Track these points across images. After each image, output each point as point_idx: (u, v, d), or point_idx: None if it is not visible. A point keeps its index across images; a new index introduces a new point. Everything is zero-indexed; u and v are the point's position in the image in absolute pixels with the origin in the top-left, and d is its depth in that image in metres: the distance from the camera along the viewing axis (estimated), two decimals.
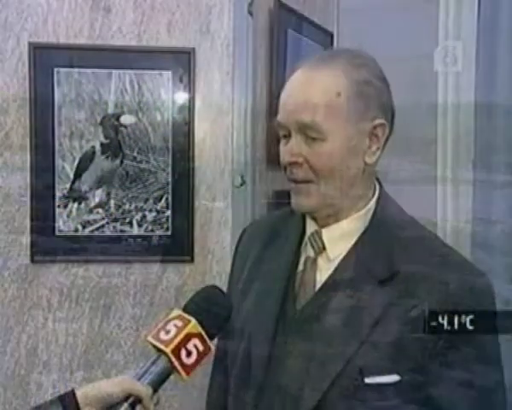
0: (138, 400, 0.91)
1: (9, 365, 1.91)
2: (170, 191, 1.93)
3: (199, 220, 1.94)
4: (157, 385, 0.94)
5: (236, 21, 1.91)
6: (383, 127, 1.09)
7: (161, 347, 0.94)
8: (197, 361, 0.95)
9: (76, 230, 1.91)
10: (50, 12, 1.87)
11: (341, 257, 1.10)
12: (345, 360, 1.01)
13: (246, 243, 1.29)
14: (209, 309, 1.00)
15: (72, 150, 1.89)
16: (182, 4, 1.91)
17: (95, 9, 1.88)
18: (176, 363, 0.93)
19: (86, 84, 1.88)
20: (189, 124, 1.92)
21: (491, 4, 1.80)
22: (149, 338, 0.96)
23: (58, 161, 1.89)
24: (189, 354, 0.94)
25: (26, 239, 1.89)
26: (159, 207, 1.93)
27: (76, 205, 1.91)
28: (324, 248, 1.12)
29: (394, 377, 1.01)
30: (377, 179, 1.16)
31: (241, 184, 1.93)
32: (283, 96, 1.10)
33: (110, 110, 1.89)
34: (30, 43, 1.85)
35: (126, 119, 1.90)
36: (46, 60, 1.86)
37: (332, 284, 1.09)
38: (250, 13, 1.93)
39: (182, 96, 1.92)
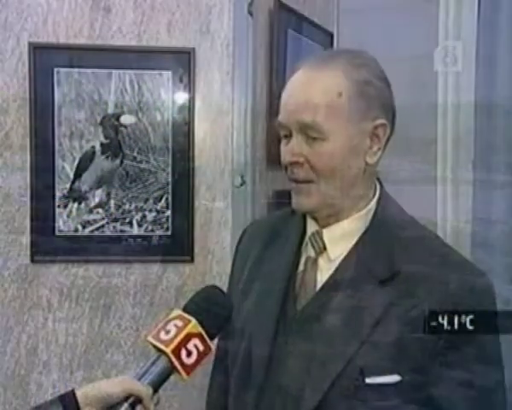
0: (138, 400, 0.91)
1: (9, 365, 1.91)
2: (170, 191, 1.93)
3: (199, 220, 1.94)
4: (157, 385, 0.94)
5: (236, 21, 1.91)
6: (384, 127, 1.09)
7: (161, 347, 0.94)
8: (197, 361, 0.95)
9: (76, 230, 1.91)
10: (50, 12, 1.87)
11: (342, 257, 1.10)
12: (345, 360, 1.01)
13: (246, 244, 1.29)
14: (209, 309, 1.00)
15: (72, 150, 1.89)
16: (182, 4, 1.91)
17: (95, 9, 1.88)
18: (176, 363, 0.93)
19: (86, 84, 1.88)
20: (189, 124, 1.92)
21: (491, 4, 1.80)
22: (149, 338, 0.96)
23: (58, 161, 1.89)
24: (189, 354, 0.94)
25: (26, 239, 1.89)
26: (159, 207, 1.93)
27: (76, 205, 1.91)
28: (325, 248, 1.12)
29: (395, 378, 1.01)
30: (378, 179, 1.16)
31: (241, 184, 1.93)
32: (284, 96, 1.10)
33: (110, 110, 1.89)
34: (30, 43, 1.85)
35: (126, 119, 1.90)
36: (46, 60, 1.86)
37: (333, 284, 1.09)
38: (250, 13, 1.93)
39: (182, 96, 1.92)
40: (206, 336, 0.96)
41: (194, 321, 0.96)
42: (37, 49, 1.85)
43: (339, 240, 1.11)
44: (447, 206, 1.84)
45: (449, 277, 1.03)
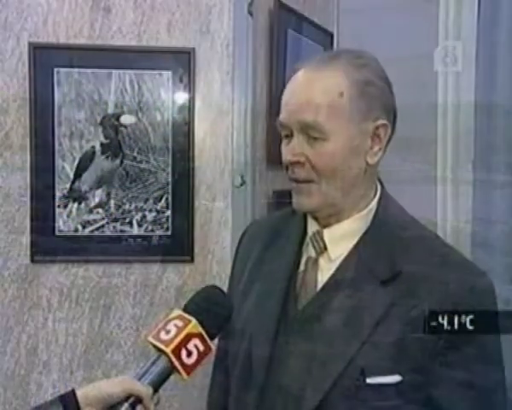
0: (139, 400, 0.91)
1: (9, 365, 1.91)
2: (170, 191, 1.93)
3: (199, 220, 1.94)
4: (157, 385, 0.94)
5: (236, 21, 1.91)
6: (385, 128, 1.09)
7: (162, 347, 0.94)
8: (198, 361, 0.95)
9: (76, 230, 1.91)
10: (50, 12, 1.87)
11: (343, 257, 1.10)
12: (346, 360, 1.01)
13: (246, 244, 1.29)
14: (209, 309, 1.00)
15: (72, 150, 1.89)
16: (182, 4, 1.91)
17: (95, 9, 1.88)
18: (176, 363, 0.93)
19: (86, 84, 1.88)
20: (189, 124, 1.92)
21: (491, 4, 1.80)
22: (150, 338, 0.96)
23: (58, 161, 1.89)
24: (189, 354, 0.94)
25: (26, 239, 1.89)
26: (159, 207, 1.93)
27: (76, 205, 1.91)
28: (326, 248, 1.11)
29: (396, 378, 1.01)
30: (379, 180, 1.16)
31: (241, 184, 1.93)
32: (285, 96, 1.10)
33: (110, 110, 1.89)
34: (30, 43, 1.85)
35: (126, 119, 1.90)
36: (46, 60, 1.86)
37: (333, 284, 1.09)
38: (250, 13, 1.93)
39: (182, 96, 1.92)
40: (206, 336, 0.96)
41: (194, 321, 0.96)
42: (37, 49, 1.85)
43: (339, 240, 1.11)
44: (447, 206, 1.84)
45: (450, 277, 1.03)
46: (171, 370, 0.94)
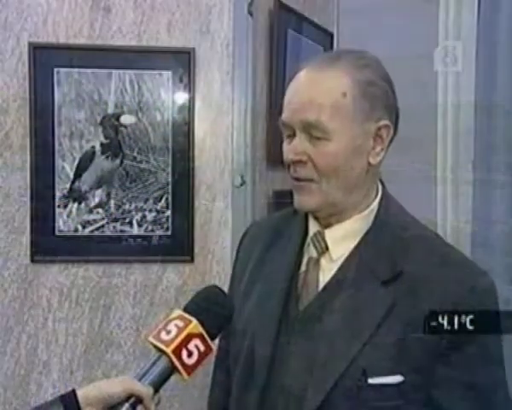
0: (139, 400, 0.91)
1: (9, 365, 1.91)
2: (170, 191, 1.93)
3: (199, 220, 1.94)
4: (158, 385, 0.94)
5: (236, 21, 1.91)
6: (388, 128, 1.08)
7: (162, 347, 0.93)
8: (198, 362, 0.95)
9: (76, 230, 1.91)
10: (50, 12, 1.87)
11: (344, 258, 1.10)
12: (348, 361, 1.01)
13: (247, 245, 1.29)
14: (210, 309, 0.99)
15: (72, 150, 1.89)
16: (182, 4, 1.91)
17: (95, 9, 1.88)
18: (177, 363, 0.93)
19: (86, 84, 1.88)
20: (189, 124, 1.92)
21: (491, 4, 1.80)
22: (150, 338, 0.96)
23: (58, 161, 1.89)
24: (190, 354, 0.94)
25: (26, 239, 1.90)
26: (159, 207, 1.93)
27: (76, 205, 1.91)
28: (327, 248, 1.11)
29: (398, 378, 1.01)
30: (380, 180, 1.16)
31: (241, 184, 1.93)
32: (288, 95, 1.10)
33: (110, 110, 1.89)
34: (30, 43, 1.85)
35: (126, 119, 1.90)
36: (46, 60, 1.86)
37: (335, 284, 1.09)
38: (250, 13, 1.93)
39: (182, 96, 1.92)
40: (206, 336, 0.96)
41: (194, 321, 0.95)
42: (37, 49, 1.85)
43: (341, 240, 1.11)
44: (447, 206, 1.84)
45: (451, 277, 1.03)
46: (171, 370, 0.94)
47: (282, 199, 2.01)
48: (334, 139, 1.04)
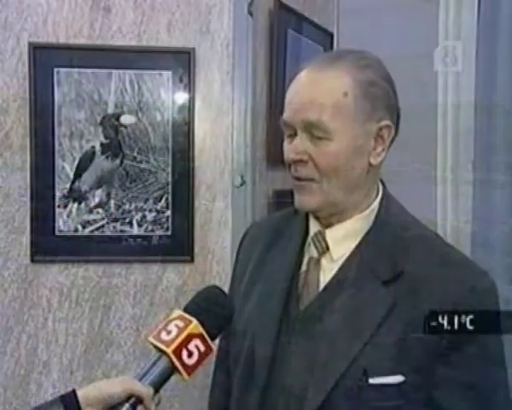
0: (139, 400, 0.91)
1: (9, 365, 1.91)
2: (170, 191, 1.93)
3: (199, 220, 1.94)
4: (158, 386, 0.94)
5: (236, 21, 1.91)
6: (389, 129, 1.08)
7: (162, 347, 0.93)
8: (198, 362, 0.95)
9: (76, 230, 1.91)
10: (50, 12, 1.87)
11: (345, 257, 1.10)
12: (349, 361, 1.01)
13: (248, 245, 1.29)
14: (210, 310, 0.99)
15: (72, 150, 1.89)
16: (182, 4, 1.91)
17: (95, 9, 1.88)
18: (177, 363, 0.93)
19: (86, 84, 1.88)
20: (189, 124, 1.92)
21: (491, 4, 1.80)
22: (150, 339, 0.96)
23: (58, 161, 1.89)
24: (190, 354, 0.94)
25: (26, 239, 1.90)
26: (159, 207, 1.93)
27: (76, 205, 1.91)
28: (328, 248, 1.11)
29: (398, 378, 1.00)
30: (380, 180, 1.16)
31: (241, 184, 1.94)
32: (289, 95, 1.10)
33: (110, 110, 1.89)
34: (30, 43, 1.85)
35: (126, 119, 1.90)
36: (46, 60, 1.86)
37: (335, 284, 1.09)
38: (250, 13, 1.93)
39: (182, 96, 1.92)
40: (207, 336, 0.96)
41: (195, 322, 0.95)
42: (37, 49, 1.85)
43: (342, 240, 1.11)
44: (447, 206, 1.84)
45: (452, 277, 1.03)
46: (171, 370, 0.94)
47: (282, 199, 2.01)
48: (335, 139, 1.04)
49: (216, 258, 1.95)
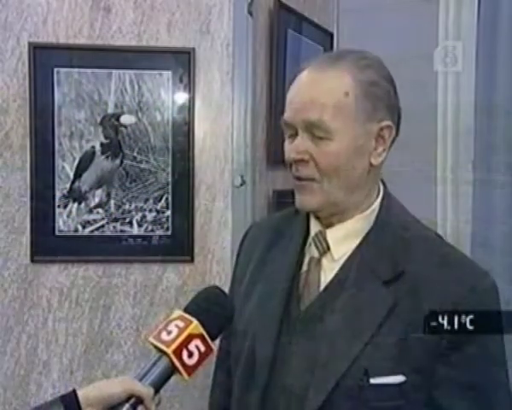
0: (140, 400, 0.91)
1: (9, 365, 1.91)
2: (170, 191, 1.93)
3: (199, 220, 1.94)
4: (158, 386, 0.94)
5: (236, 21, 1.91)
6: (390, 129, 1.08)
7: (163, 347, 0.93)
8: (199, 362, 0.95)
9: (76, 230, 1.91)
10: (50, 12, 1.87)
11: (346, 257, 1.10)
12: (349, 361, 1.01)
13: (248, 246, 1.28)
14: (210, 310, 0.99)
15: (72, 150, 1.89)
16: (182, 4, 1.91)
17: (95, 9, 1.88)
18: (177, 364, 0.93)
19: (86, 84, 1.88)
20: (189, 124, 1.92)
21: (491, 4, 1.81)
22: (151, 339, 0.96)
23: (58, 161, 1.89)
24: (190, 354, 0.94)
25: (26, 239, 1.89)
26: (159, 207, 1.93)
27: (76, 205, 1.91)
28: (328, 248, 1.11)
29: (399, 378, 1.00)
30: (381, 180, 1.16)
31: (241, 184, 1.93)
32: (290, 95, 1.10)
33: (110, 110, 1.89)
34: (30, 43, 1.85)
35: (126, 119, 1.90)
36: (46, 60, 1.86)
37: (336, 284, 1.09)
38: (250, 13, 1.93)
39: (182, 96, 1.92)
40: (207, 336, 0.96)
41: (195, 322, 0.95)
42: (37, 49, 1.85)
43: (342, 240, 1.11)
44: (447, 206, 1.85)
45: (452, 277, 1.03)
46: (172, 370, 0.94)
47: (282, 199, 2.01)
48: (336, 139, 1.04)
49: (216, 258, 1.95)
